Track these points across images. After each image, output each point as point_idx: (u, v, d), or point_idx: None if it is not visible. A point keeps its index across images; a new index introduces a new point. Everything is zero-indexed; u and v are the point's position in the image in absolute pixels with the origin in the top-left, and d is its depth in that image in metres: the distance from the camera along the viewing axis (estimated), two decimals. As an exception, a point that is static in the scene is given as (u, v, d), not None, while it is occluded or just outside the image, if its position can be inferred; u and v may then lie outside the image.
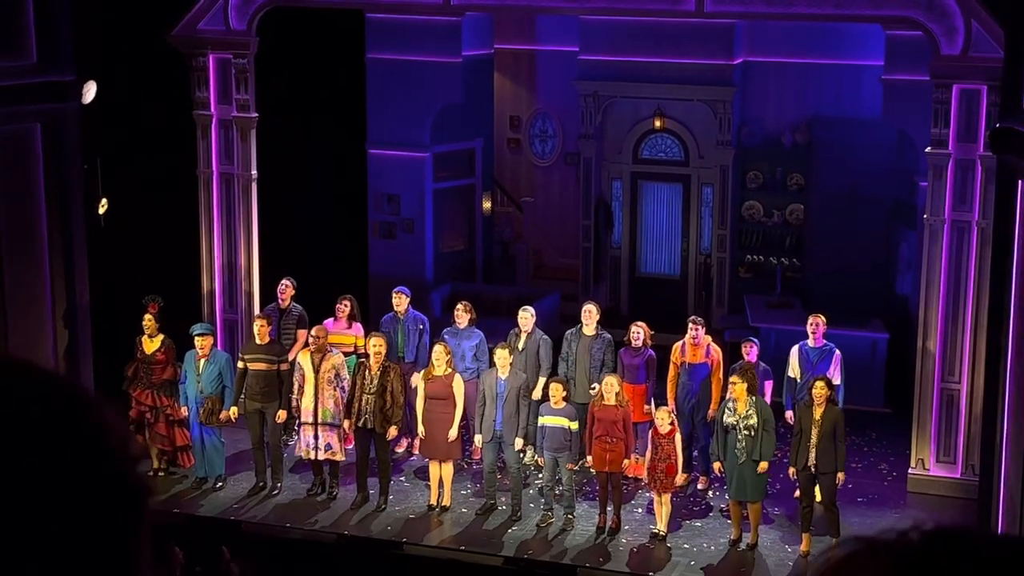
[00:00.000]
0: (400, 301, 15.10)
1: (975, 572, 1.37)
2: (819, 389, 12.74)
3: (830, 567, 1.42)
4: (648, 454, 13.17)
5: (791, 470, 13.01)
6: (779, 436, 13.25)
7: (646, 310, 17.80)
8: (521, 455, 13.93)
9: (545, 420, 13.35)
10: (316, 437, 13.95)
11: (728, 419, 12.84)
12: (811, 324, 14.13)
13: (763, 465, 12.85)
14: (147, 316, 14.26)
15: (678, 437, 13.20)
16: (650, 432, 13.21)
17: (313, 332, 14.15)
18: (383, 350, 13.75)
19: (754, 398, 12.91)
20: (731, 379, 12.94)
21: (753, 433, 12.75)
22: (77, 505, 1.41)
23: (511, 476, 13.82)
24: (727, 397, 13.16)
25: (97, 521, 1.42)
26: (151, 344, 14.33)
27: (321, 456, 14.04)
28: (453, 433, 13.73)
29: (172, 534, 10.24)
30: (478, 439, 13.84)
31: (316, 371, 13.89)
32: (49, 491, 1.39)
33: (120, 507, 1.45)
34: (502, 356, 13.71)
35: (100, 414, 1.48)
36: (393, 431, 13.82)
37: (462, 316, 14.75)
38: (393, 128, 19.33)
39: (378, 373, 13.65)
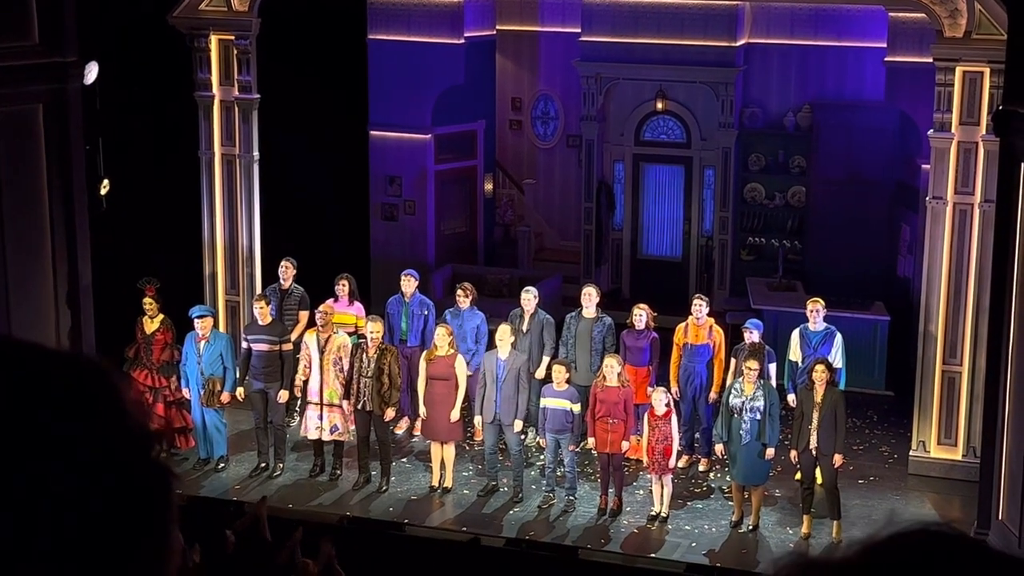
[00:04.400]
0: (408, 284, 15.10)
1: None
2: (819, 372, 12.76)
3: None
4: (645, 436, 13.18)
5: (792, 452, 13.02)
6: (781, 419, 13.25)
7: (647, 292, 17.80)
8: (522, 436, 13.95)
9: (547, 402, 13.36)
10: (321, 417, 13.98)
11: (734, 400, 12.85)
12: (810, 309, 14.14)
13: (769, 452, 12.87)
14: (147, 299, 14.30)
15: (675, 418, 13.20)
16: (646, 414, 13.21)
17: (320, 308, 14.19)
18: (379, 334, 13.77)
19: (762, 381, 12.93)
20: (748, 363, 12.90)
21: (759, 416, 12.76)
22: (101, 485, 1.38)
23: (512, 458, 13.84)
24: (735, 379, 13.16)
25: (122, 502, 1.39)
26: (151, 324, 14.37)
27: (327, 437, 14.07)
28: (455, 414, 13.75)
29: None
30: (479, 420, 13.86)
31: (321, 351, 13.91)
32: (72, 471, 1.36)
33: (146, 487, 1.42)
34: (504, 332, 13.71)
35: (125, 395, 1.45)
36: (390, 413, 13.84)
37: (463, 298, 14.76)
38: (395, 110, 19.31)
39: (375, 356, 13.66)
